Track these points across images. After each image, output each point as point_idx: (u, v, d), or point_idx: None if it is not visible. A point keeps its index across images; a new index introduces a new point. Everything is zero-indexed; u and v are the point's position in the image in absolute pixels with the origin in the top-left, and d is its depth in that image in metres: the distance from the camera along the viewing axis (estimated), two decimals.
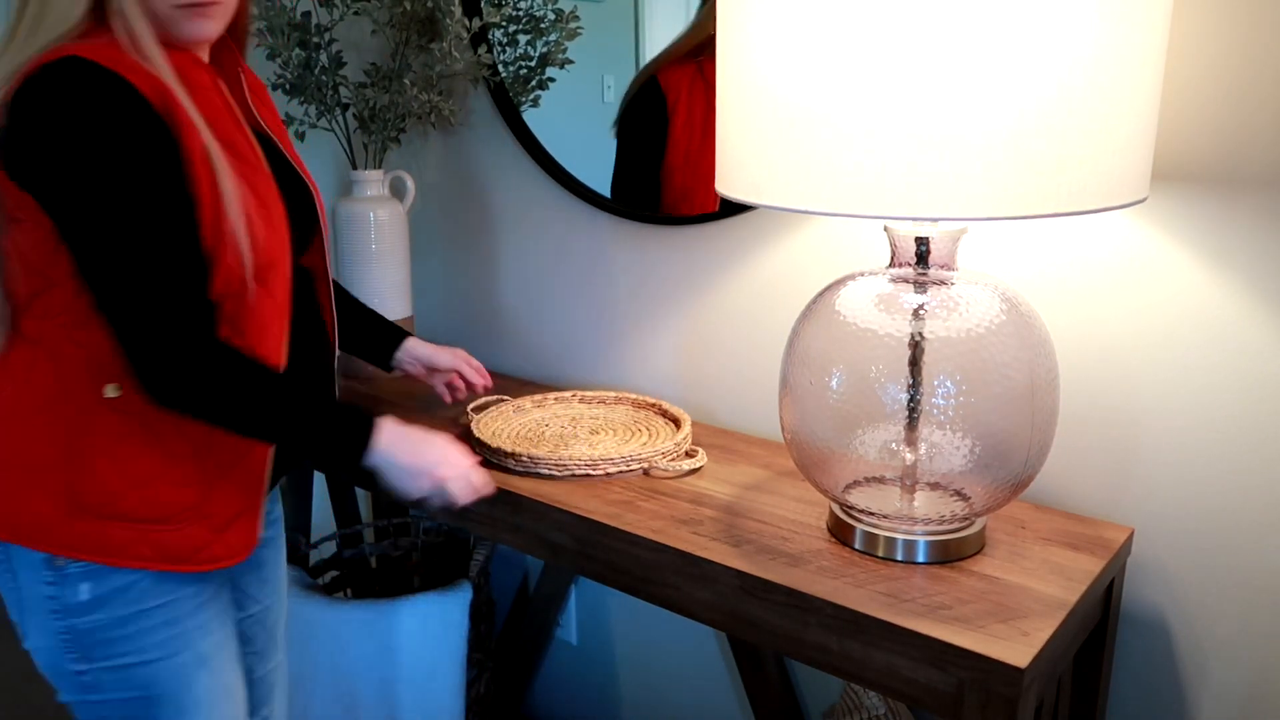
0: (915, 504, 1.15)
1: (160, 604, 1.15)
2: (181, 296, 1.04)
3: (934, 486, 1.15)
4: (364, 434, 1.13)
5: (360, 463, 1.14)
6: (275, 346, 1.14)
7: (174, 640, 1.17)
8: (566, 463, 1.37)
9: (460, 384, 1.55)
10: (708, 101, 1.45)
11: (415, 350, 1.51)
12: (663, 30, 1.55)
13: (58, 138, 0.99)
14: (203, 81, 1.10)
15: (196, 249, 1.05)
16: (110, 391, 1.09)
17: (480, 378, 1.55)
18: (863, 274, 1.15)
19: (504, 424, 1.55)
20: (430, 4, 1.66)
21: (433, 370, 1.53)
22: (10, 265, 1.09)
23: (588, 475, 1.37)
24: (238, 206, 1.06)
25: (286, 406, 1.11)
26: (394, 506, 2.05)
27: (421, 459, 1.16)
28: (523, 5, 1.67)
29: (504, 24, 1.69)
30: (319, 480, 2.16)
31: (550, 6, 1.65)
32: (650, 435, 1.50)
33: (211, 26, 1.09)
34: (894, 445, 1.11)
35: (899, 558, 1.13)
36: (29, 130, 1.00)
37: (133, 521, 1.11)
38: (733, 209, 1.51)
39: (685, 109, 1.53)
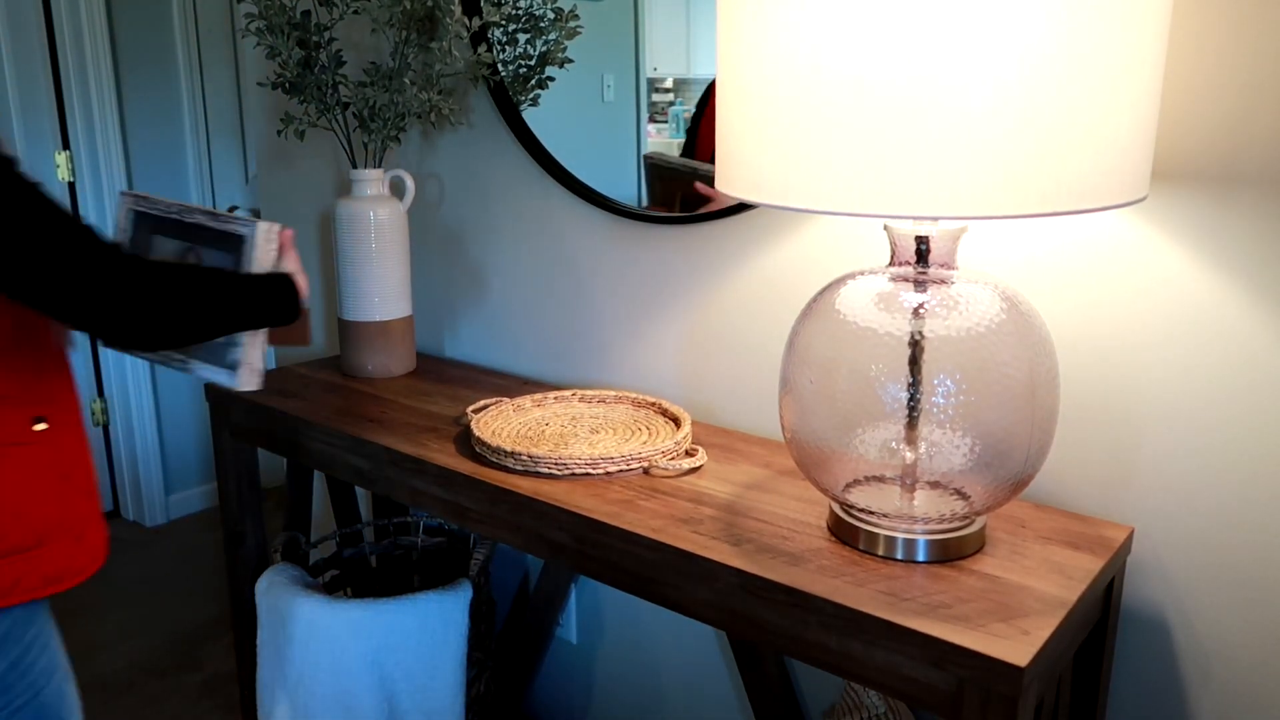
0: (915, 503, 1.15)
1: (35, 633, 1.14)
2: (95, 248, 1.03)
3: (934, 485, 1.15)
4: (289, 282, 1.29)
5: (293, 312, 1.29)
6: None
7: (49, 662, 1.16)
8: (566, 462, 1.37)
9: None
10: None
11: None
12: (662, 29, 1.55)
13: None
14: None
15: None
16: None
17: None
18: (863, 273, 1.15)
19: (504, 423, 1.55)
20: (430, 3, 1.66)
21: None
22: None
23: (588, 474, 1.37)
24: None
25: (226, 285, 1.19)
26: (394, 506, 2.05)
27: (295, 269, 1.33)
28: (522, 4, 1.67)
29: (504, 23, 1.69)
30: (319, 480, 2.16)
31: (550, 6, 1.65)
32: (650, 434, 1.50)
33: None
34: (894, 444, 1.11)
35: (899, 557, 1.14)
36: None
37: (19, 554, 1.09)
38: (733, 208, 1.51)
39: None
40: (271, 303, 1.26)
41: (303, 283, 1.33)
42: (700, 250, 1.58)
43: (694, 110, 1.58)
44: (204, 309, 1.14)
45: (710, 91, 1.56)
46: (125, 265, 1.05)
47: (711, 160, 1.47)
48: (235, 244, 1.36)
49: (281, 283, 1.28)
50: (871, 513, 1.15)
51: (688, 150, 1.60)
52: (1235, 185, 1.12)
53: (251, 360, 1.34)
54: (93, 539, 1.18)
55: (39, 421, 1.11)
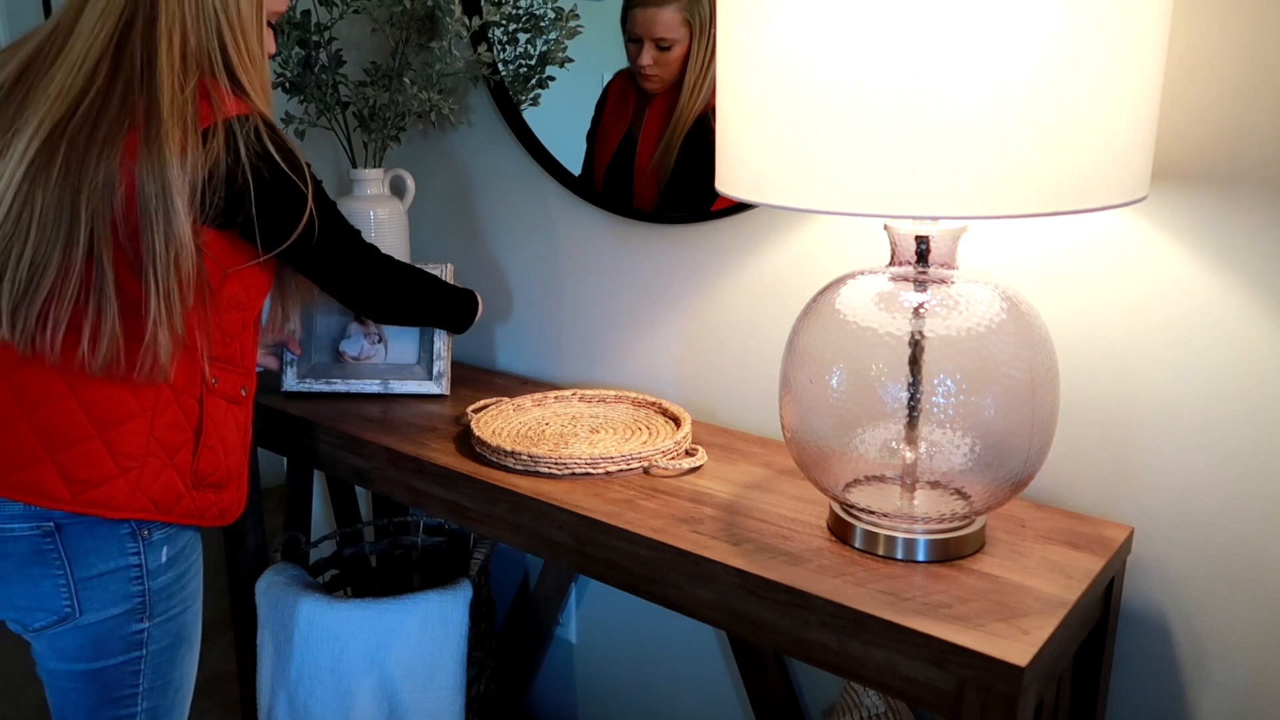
0: (915, 503, 1.15)
1: (196, 555, 1.38)
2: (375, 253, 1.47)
3: (934, 485, 1.15)
4: (473, 302, 1.67)
5: (471, 321, 1.68)
6: None
7: (197, 587, 1.39)
8: (566, 461, 1.37)
9: (278, 353, 1.75)
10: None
11: None
12: None
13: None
14: None
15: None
16: (214, 381, 1.33)
17: (295, 349, 1.73)
18: (863, 273, 1.15)
19: (504, 422, 1.55)
20: (430, 2, 1.66)
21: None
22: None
23: (588, 474, 1.37)
24: None
25: (441, 295, 1.60)
26: (394, 506, 2.05)
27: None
28: (523, 4, 1.67)
29: (504, 22, 1.69)
30: (319, 479, 2.16)
31: (550, 5, 1.65)
32: (650, 434, 1.50)
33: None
34: (894, 444, 1.11)
35: (899, 556, 1.14)
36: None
37: (216, 488, 1.34)
38: (733, 208, 1.51)
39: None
40: (465, 312, 1.65)
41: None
42: (700, 250, 1.58)
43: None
44: (428, 303, 1.58)
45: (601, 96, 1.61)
46: (384, 263, 1.47)
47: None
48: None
49: (472, 299, 1.66)
50: (871, 512, 1.15)
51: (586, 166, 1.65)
52: (1235, 185, 1.12)
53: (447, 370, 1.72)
54: (244, 490, 1.43)
55: (244, 390, 1.39)
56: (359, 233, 1.43)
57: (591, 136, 1.66)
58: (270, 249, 1.31)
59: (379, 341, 1.73)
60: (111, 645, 1.29)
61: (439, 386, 1.69)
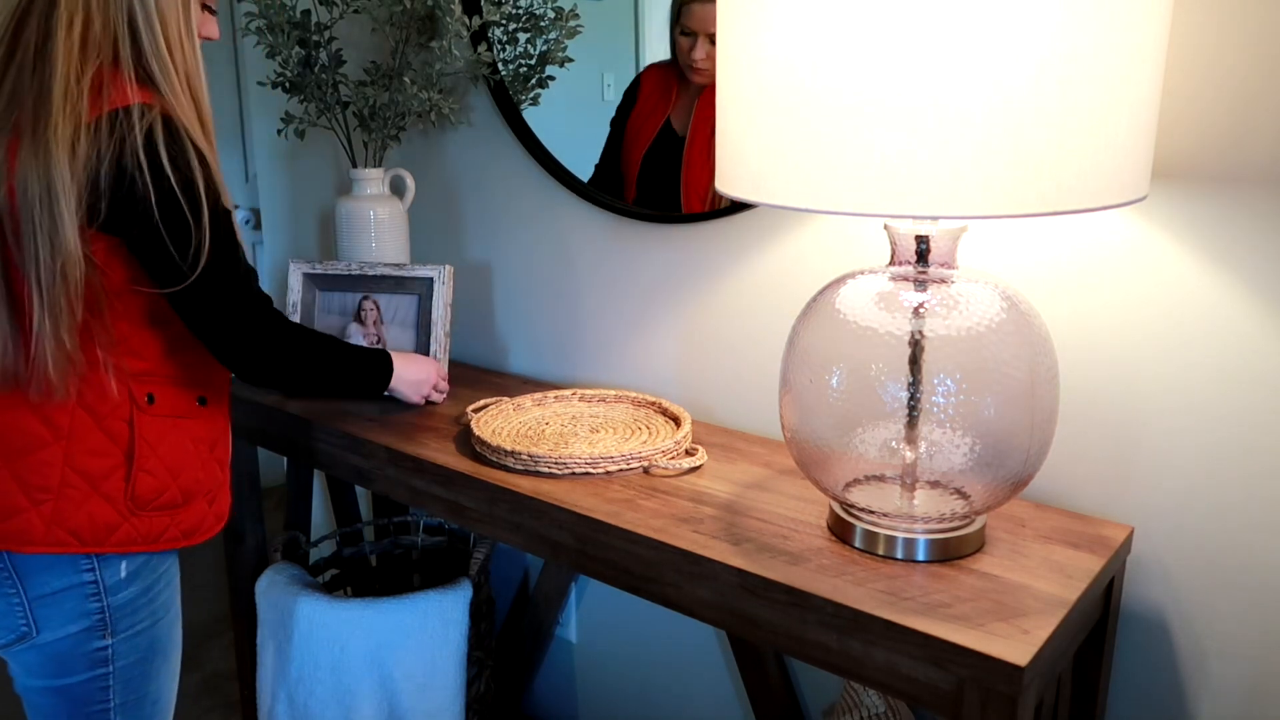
0: (915, 502, 1.15)
1: (165, 569, 1.31)
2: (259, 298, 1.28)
3: (934, 485, 1.15)
4: (388, 367, 1.51)
5: (384, 388, 1.53)
6: None
7: (170, 598, 1.33)
8: (567, 461, 1.37)
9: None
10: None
11: None
12: (663, 28, 1.55)
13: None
14: None
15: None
16: (148, 399, 1.24)
17: (442, 394, 1.68)
18: (863, 272, 1.15)
19: (504, 422, 1.55)
20: (430, 2, 1.66)
21: None
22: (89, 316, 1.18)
23: (588, 473, 1.37)
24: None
25: (336, 357, 1.42)
26: (394, 506, 2.05)
27: (419, 373, 1.58)
28: (523, 3, 1.67)
29: (504, 22, 1.69)
30: (319, 479, 2.16)
31: (550, 5, 1.65)
32: (650, 433, 1.50)
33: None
34: (894, 443, 1.11)
35: (899, 556, 1.14)
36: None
37: (170, 508, 1.26)
38: (733, 207, 1.51)
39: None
40: (368, 379, 1.51)
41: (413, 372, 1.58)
42: (700, 250, 1.58)
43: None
44: (320, 372, 1.41)
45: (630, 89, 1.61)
46: (273, 321, 1.29)
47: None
48: (423, 286, 1.72)
49: (383, 363, 1.52)
50: (871, 512, 1.15)
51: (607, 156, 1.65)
52: (1236, 184, 1.12)
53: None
54: (221, 504, 1.35)
55: (202, 400, 1.30)
56: (254, 275, 1.27)
57: (619, 125, 1.64)
58: (153, 276, 1.17)
59: (378, 343, 1.73)
60: (74, 663, 1.24)
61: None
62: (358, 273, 1.73)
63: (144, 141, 1.09)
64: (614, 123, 1.64)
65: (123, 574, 1.24)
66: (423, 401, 1.59)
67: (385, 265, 1.73)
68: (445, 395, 1.64)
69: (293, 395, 1.53)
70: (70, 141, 1.07)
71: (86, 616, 1.23)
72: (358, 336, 1.73)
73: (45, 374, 1.13)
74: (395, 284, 1.73)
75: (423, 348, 1.71)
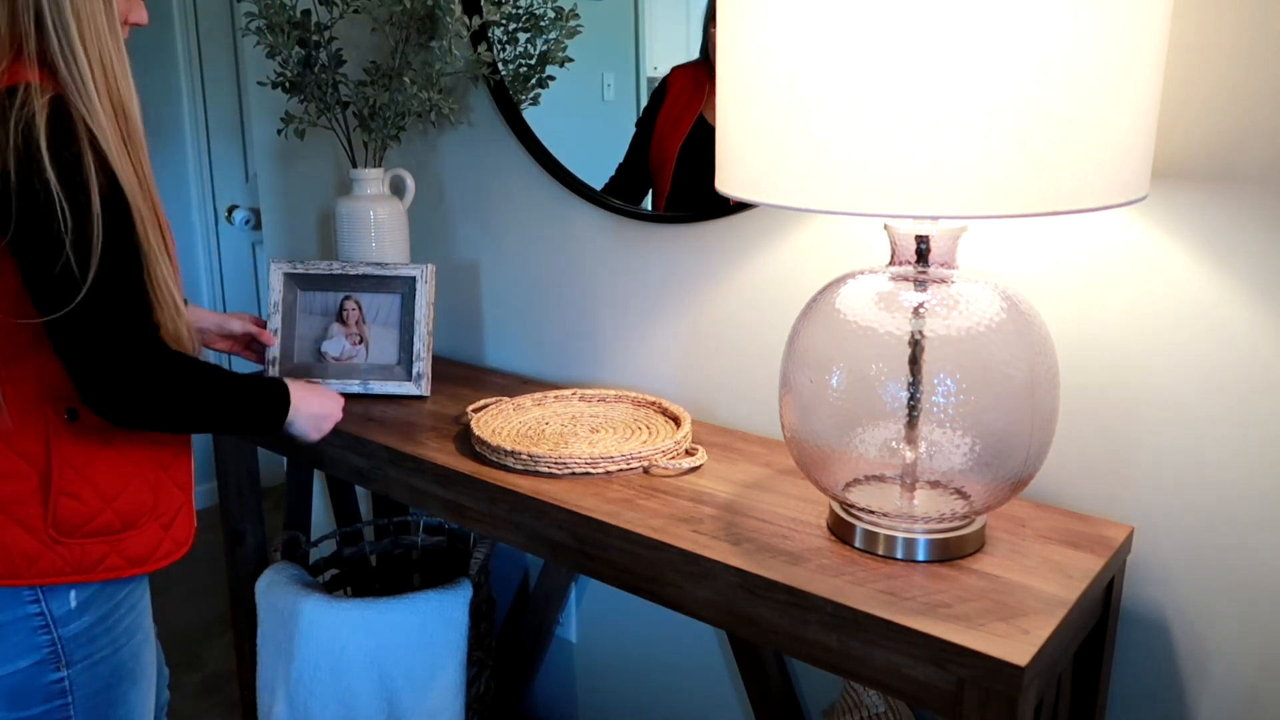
0: (915, 502, 1.15)
1: (124, 595, 1.22)
2: (133, 321, 1.09)
3: (934, 485, 1.15)
4: (285, 399, 1.30)
5: (281, 424, 1.30)
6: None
7: (134, 623, 1.24)
8: (566, 461, 1.37)
9: (257, 348, 1.63)
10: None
11: (203, 321, 1.55)
12: (663, 28, 1.55)
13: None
14: None
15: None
16: (67, 416, 1.14)
17: (268, 339, 1.62)
18: (863, 272, 1.15)
19: (504, 422, 1.55)
20: (430, 2, 1.66)
21: (224, 337, 1.59)
22: None
23: (588, 473, 1.37)
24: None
25: (225, 394, 1.20)
26: (394, 505, 2.05)
27: (320, 408, 1.37)
28: (523, 3, 1.67)
29: (504, 22, 1.69)
30: (319, 479, 2.16)
31: (550, 5, 1.65)
32: (650, 433, 1.50)
33: None
34: (894, 443, 1.11)
35: (899, 556, 1.13)
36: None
37: (107, 535, 1.17)
38: (733, 207, 1.51)
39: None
40: (264, 415, 1.29)
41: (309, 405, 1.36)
42: (700, 250, 1.58)
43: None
44: (206, 411, 1.19)
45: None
46: (156, 362, 1.11)
47: None
48: (405, 285, 1.70)
49: (280, 396, 1.30)
50: (871, 512, 1.15)
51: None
52: (1236, 184, 1.12)
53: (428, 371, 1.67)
54: (180, 529, 1.26)
55: None
56: (147, 308, 1.10)
57: (646, 125, 1.63)
58: (29, 288, 1.04)
59: (360, 343, 1.73)
60: (29, 697, 1.17)
61: (418, 388, 1.69)
62: (339, 272, 1.71)
63: (24, 126, 0.97)
64: (640, 124, 1.63)
65: (72, 604, 1.16)
66: (319, 438, 1.39)
67: (367, 264, 1.71)
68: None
69: (174, 433, 1.25)
70: None
71: (36, 650, 1.15)
72: (340, 336, 1.72)
73: None
74: (377, 283, 1.72)
75: (405, 348, 1.71)
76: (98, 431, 1.15)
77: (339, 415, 1.42)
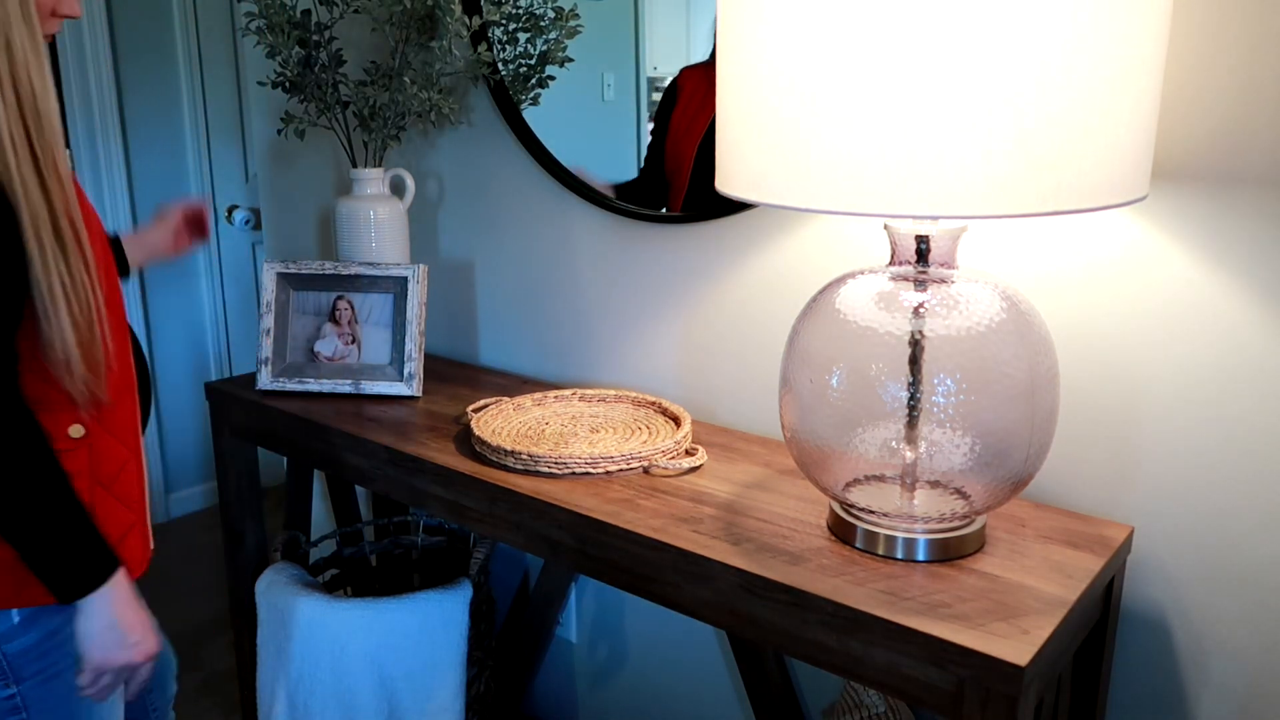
0: (915, 502, 1.15)
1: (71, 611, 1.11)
2: None
3: (934, 485, 1.15)
4: (103, 567, 1.08)
5: (79, 592, 1.07)
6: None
7: None
8: (567, 461, 1.37)
9: (192, 228, 1.56)
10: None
11: (136, 246, 1.48)
12: (663, 28, 1.55)
13: None
14: None
15: None
16: None
17: (196, 204, 1.54)
18: (863, 272, 1.15)
19: (504, 422, 1.55)
20: (430, 2, 1.66)
21: (164, 246, 1.54)
22: None
23: (588, 473, 1.37)
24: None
25: (35, 499, 1.02)
26: (394, 505, 2.05)
27: (133, 631, 1.11)
28: (523, 3, 1.67)
29: (504, 22, 1.69)
30: (319, 479, 2.16)
31: (550, 4, 1.65)
32: (650, 433, 1.50)
33: None
34: (894, 443, 1.11)
35: (899, 556, 1.14)
36: None
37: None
38: (733, 207, 1.51)
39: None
40: (69, 566, 1.07)
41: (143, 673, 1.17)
42: (700, 250, 1.58)
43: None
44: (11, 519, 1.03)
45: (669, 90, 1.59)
46: None
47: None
48: (397, 284, 1.69)
49: (101, 565, 1.09)
50: (871, 512, 1.15)
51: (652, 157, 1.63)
52: (1235, 185, 1.12)
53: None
54: (131, 548, 1.16)
55: (74, 427, 1.09)
56: (8, 359, 1.00)
57: (661, 126, 1.62)
58: None
59: (352, 342, 1.73)
60: None
61: (409, 387, 1.69)
62: (331, 272, 1.72)
63: None
64: (656, 123, 1.62)
65: (15, 620, 1.09)
66: (122, 659, 1.11)
67: (359, 264, 1.72)
68: (130, 668, 1.15)
69: None
70: None
71: None
72: (332, 336, 1.72)
73: None
74: (369, 283, 1.72)
75: (397, 347, 1.71)
76: None
77: (147, 650, 1.13)
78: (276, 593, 1.69)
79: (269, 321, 1.70)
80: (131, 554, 1.18)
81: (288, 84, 1.72)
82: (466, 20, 1.63)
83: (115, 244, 1.45)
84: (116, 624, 1.10)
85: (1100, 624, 1.21)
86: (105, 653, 1.10)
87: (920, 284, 1.10)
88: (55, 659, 1.12)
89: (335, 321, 1.73)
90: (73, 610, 1.10)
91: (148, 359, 1.37)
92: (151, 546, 1.20)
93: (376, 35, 1.78)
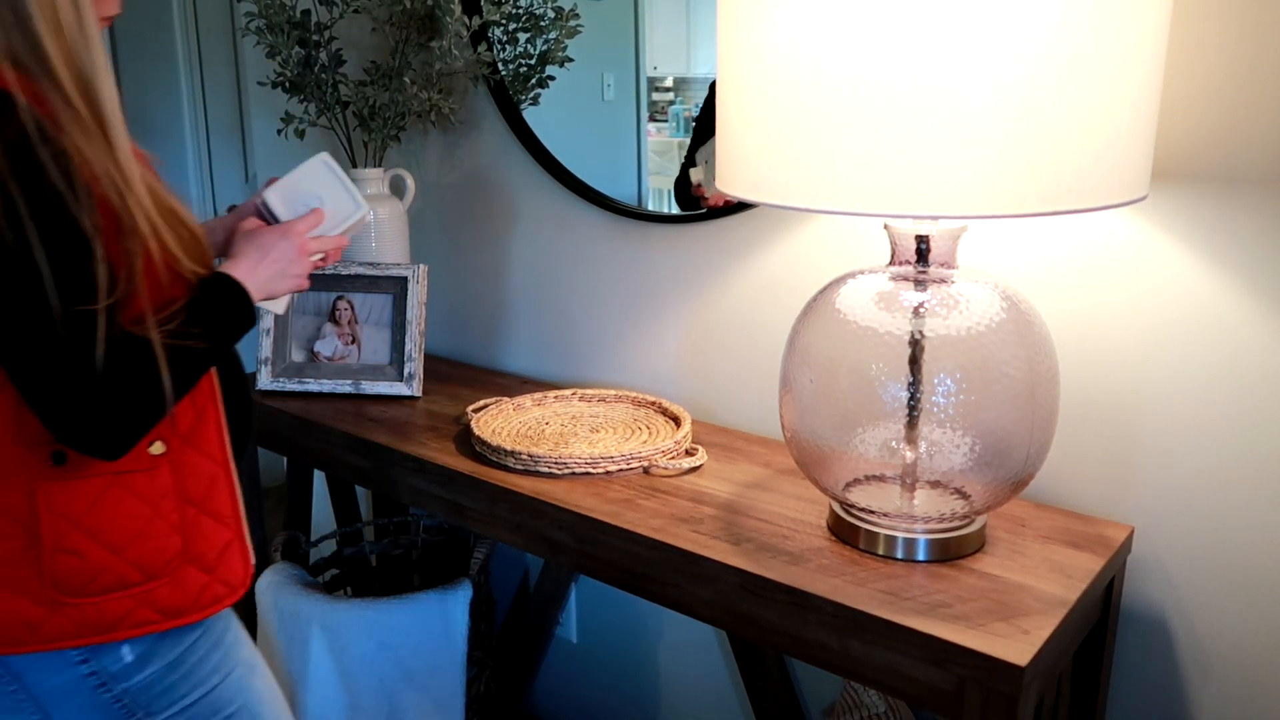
0: (915, 502, 1.15)
1: (200, 632, 1.10)
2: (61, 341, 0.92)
3: (934, 485, 1.15)
4: (244, 295, 1.08)
5: (256, 314, 1.10)
6: None
7: (223, 659, 1.12)
8: (567, 461, 1.37)
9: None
10: None
11: (219, 231, 1.30)
12: (663, 28, 1.55)
13: None
14: None
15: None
16: (52, 460, 0.99)
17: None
18: (863, 272, 1.15)
19: (504, 422, 1.55)
20: (430, 2, 1.66)
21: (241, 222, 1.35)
22: None
23: (588, 473, 1.37)
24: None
25: (190, 340, 0.99)
26: (394, 505, 2.05)
27: (270, 266, 1.13)
28: (523, 3, 1.67)
29: (504, 22, 1.69)
30: (319, 479, 2.16)
31: (550, 4, 1.65)
32: (650, 433, 1.50)
33: None
34: (894, 443, 1.11)
35: (899, 556, 1.13)
36: None
37: (122, 589, 1.03)
38: (733, 207, 1.51)
39: None
40: (234, 327, 1.07)
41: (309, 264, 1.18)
42: (700, 250, 1.58)
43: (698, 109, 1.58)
44: (181, 373, 0.99)
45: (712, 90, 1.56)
46: (108, 360, 0.93)
47: None
48: (397, 284, 1.68)
49: (233, 293, 1.08)
50: (872, 512, 1.15)
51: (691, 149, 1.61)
52: (1235, 185, 1.12)
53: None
54: (230, 569, 1.10)
55: (154, 444, 1.04)
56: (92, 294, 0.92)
57: (704, 125, 1.59)
58: None
59: (353, 342, 1.73)
60: None
61: (410, 388, 1.69)
62: (331, 272, 1.71)
63: None
64: (697, 124, 1.59)
65: (127, 659, 1.04)
66: (300, 285, 1.18)
67: (359, 264, 1.71)
68: (325, 257, 1.22)
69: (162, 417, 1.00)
70: None
71: (103, 708, 1.04)
72: (332, 336, 1.72)
73: None
74: (369, 283, 1.72)
75: (397, 348, 1.71)
76: (94, 475, 1.00)
77: (302, 249, 1.17)
78: (276, 593, 1.69)
79: (269, 321, 1.70)
80: (231, 572, 1.10)
81: (288, 84, 1.72)
82: (466, 20, 1.63)
83: None
84: (269, 278, 1.13)
85: (1100, 624, 1.21)
86: (295, 279, 1.16)
87: (920, 284, 1.10)
88: (185, 688, 1.08)
89: (335, 321, 1.73)
90: (202, 634, 1.08)
91: None
92: (253, 562, 1.14)
93: (376, 35, 1.78)
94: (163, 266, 0.99)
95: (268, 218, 1.23)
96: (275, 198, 1.23)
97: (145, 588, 1.03)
